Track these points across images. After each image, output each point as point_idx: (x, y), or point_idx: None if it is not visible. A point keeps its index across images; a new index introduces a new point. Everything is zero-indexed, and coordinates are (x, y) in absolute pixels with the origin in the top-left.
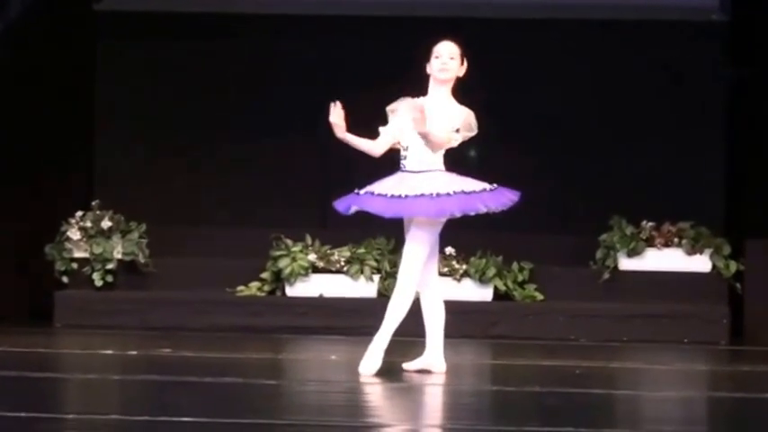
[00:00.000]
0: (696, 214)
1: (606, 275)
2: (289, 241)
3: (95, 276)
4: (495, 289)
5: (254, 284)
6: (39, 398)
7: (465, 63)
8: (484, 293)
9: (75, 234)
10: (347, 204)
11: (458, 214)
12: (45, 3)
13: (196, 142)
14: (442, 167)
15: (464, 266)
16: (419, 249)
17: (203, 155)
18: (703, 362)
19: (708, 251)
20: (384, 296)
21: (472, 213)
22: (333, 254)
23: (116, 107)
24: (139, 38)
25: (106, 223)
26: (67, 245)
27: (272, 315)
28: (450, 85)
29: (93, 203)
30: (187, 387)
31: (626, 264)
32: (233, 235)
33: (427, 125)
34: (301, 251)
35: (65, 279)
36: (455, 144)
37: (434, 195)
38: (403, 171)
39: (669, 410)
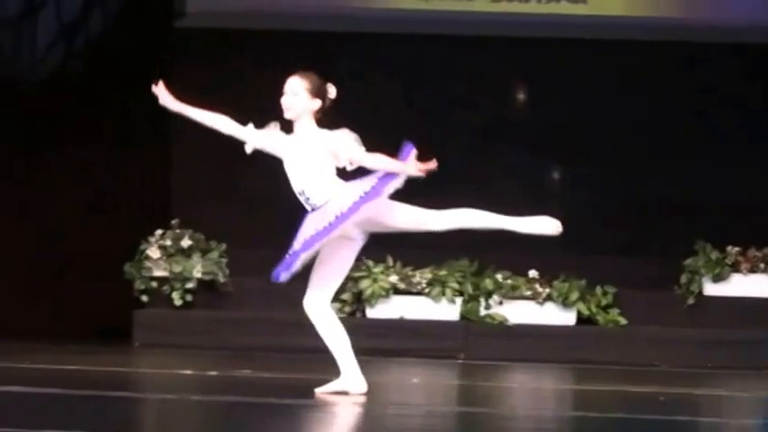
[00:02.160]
0: None
1: (691, 301)
2: (370, 262)
3: (174, 295)
4: (578, 313)
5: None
6: (117, 418)
7: (328, 91)
8: (567, 317)
9: (154, 253)
10: (288, 267)
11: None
12: (126, 20)
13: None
14: (340, 182)
15: (547, 290)
16: None
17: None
18: None
19: None
20: (466, 319)
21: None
22: (414, 275)
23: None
24: (219, 54)
25: (186, 242)
26: (147, 263)
27: (352, 337)
28: (309, 117)
29: (173, 222)
30: (267, 409)
31: (711, 289)
32: None
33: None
34: (382, 272)
35: (144, 298)
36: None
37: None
38: (313, 211)
39: None
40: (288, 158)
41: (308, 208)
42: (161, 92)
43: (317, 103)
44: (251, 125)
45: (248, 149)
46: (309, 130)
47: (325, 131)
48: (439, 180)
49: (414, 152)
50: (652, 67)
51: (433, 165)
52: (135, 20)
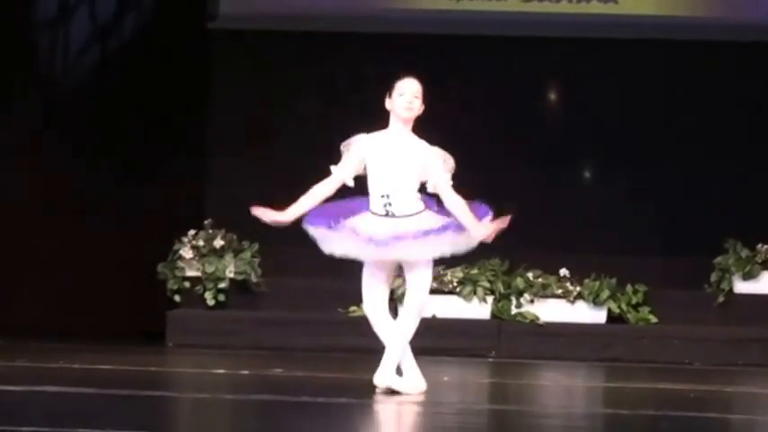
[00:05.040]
0: None
1: (721, 299)
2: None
3: (207, 295)
4: (609, 311)
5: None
6: (151, 417)
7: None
8: (597, 316)
9: (187, 253)
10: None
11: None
12: (159, 21)
13: (311, 162)
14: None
15: (578, 289)
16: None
17: (318, 174)
18: None
19: None
20: (498, 318)
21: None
22: (446, 274)
23: (229, 126)
24: (253, 56)
25: (219, 242)
26: (180, 263)
27: None
28: (412, 123)
29: (206, 222)
30: (300, 407)
31: (741, 287)
32: None
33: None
34: None
35: (177, 298)
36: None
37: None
38: (389, 217)
39: None
40: (378, 158)
41: (383, 212)
42: (264, 213)
43: (422, 109)
44: (332, 168)
45: (351, 184)
46: (410, 137)
47: (425, 144)
48: (474, 179)
49: (489, 216)
50: (681, 66)
51: (505, 223)
52: (168, 22)
